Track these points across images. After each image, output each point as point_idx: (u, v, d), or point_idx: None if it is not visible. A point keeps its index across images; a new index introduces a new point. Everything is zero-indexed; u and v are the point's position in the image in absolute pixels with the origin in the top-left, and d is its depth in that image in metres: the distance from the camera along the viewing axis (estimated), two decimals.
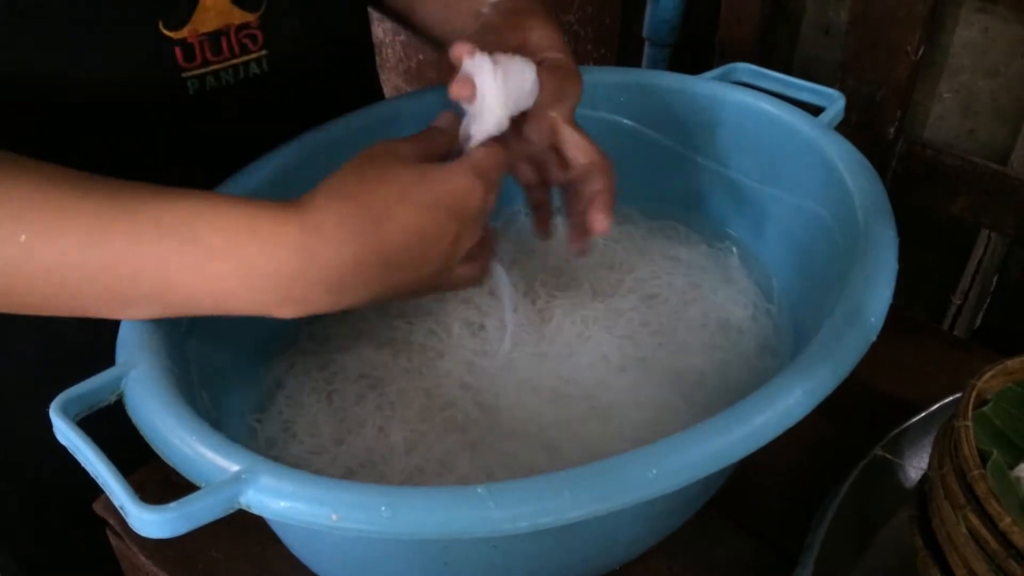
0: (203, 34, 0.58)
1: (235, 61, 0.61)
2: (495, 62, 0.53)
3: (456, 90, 0.53)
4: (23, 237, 0.44)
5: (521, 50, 0.56)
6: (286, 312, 0.47)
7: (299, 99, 0.67)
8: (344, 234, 0.46)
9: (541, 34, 0.58)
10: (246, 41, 0.61)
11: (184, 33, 0.57)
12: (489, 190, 0.51)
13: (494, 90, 0.52)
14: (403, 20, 0.76)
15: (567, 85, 0.57)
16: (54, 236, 0.44)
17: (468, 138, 0.54)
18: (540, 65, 0.56)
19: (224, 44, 0.59)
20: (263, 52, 0.62)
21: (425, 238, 0.48)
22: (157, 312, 0.48)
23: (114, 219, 0.45)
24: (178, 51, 0.58)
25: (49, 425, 0.45)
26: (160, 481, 0.58)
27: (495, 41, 0.56)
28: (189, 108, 0.60)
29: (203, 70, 0.59)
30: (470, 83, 0.52)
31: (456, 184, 0.50)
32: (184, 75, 0.59)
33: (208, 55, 0.59)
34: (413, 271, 0.49)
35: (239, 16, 0.59)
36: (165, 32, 0.57)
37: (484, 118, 0.53)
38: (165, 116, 0.61)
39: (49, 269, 0.45)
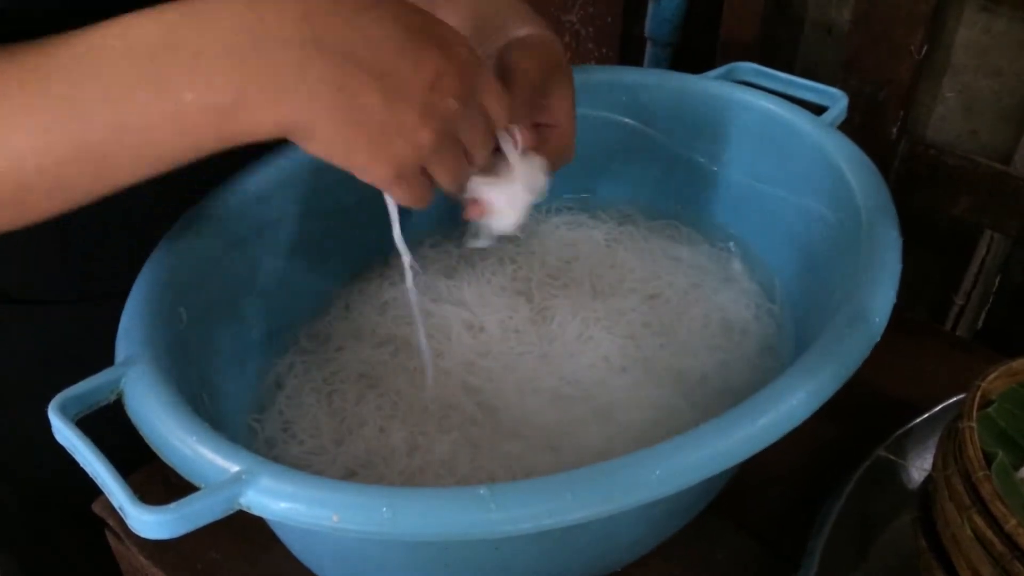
0: None
1: None
2: (511, 176, 0.54)
3: (469, 212, 0.55)
4: None
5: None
6: (250, 116, 0.42)
7: None
8: (305, 9, 0.42)
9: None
10: None
11: None
12: (481, 80, 0.46)
13: (506, 212, 0.55)
14: None
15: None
16: None
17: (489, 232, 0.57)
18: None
19: None
20: None
21: (402, 54, 0.42)
22: (128, 167, 0.44)
23: (38, 66, 0.42)
24: None
25: (48, 425, 0.45)
26: (159, 482, 0.58)
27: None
28: None
29: None
30: (481, 205, 0.54)
31: (449, 30, 0.45)
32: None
33: None
34: (382, 95, 0.42)
35: None
36: None
37: (494, 231, 0.56)
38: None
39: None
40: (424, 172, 0.47)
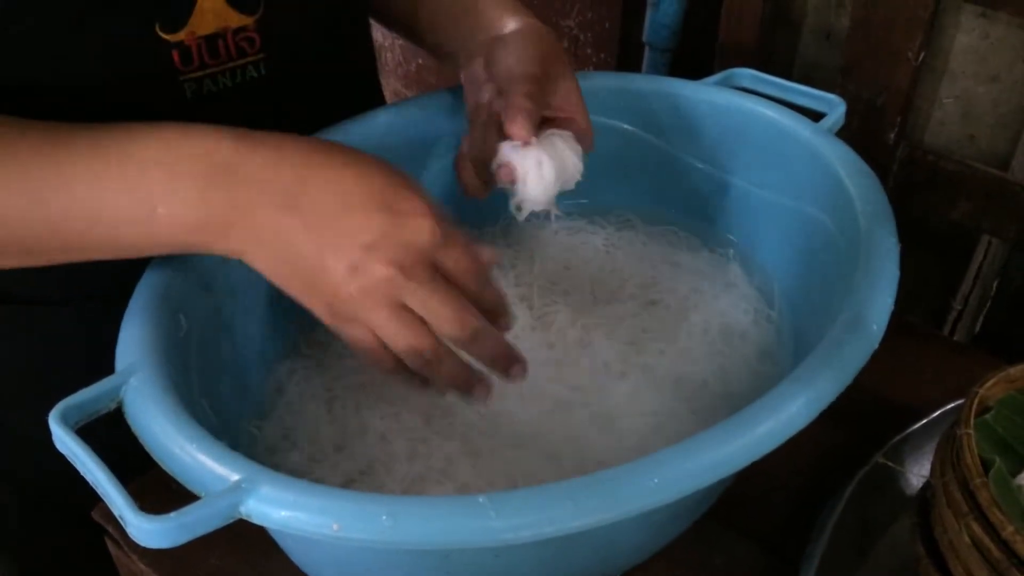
0: (200, 37, 0.58)
1: (232, 64, 0.60)
2: (538, 144, 0.57)
3: (500, 175, 0.58)
4: None
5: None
6: (208, 239, 0.47)
7: (298, 103, 0.67)
8: (277, 158, 0.47)
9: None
10: (243, 44, 0.60)
11: (181, 36, 0.57)
12: (441, 253, 0.48)
13: (534, 177, 0.57)
14: (407, 32, 0.76)
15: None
16: None
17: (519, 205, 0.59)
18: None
19: (221, 47, 0.59)
20: (261, 55, 0.61)
21: (346, 211, 0.46)
22: (90, 251, 0.49)
23: (41, 149, 0.47)
24: (175, 54, 0.57)
25: (47, 429, 0.45)
26: (159, 490, 0.57)
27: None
28: (187, 112, 0.60)
29: (200, 73, 0.59)
30: (510, 168, 0.57)
31: (417, 202, 0.47)
32: (182, 78, 0.59)
33: (205, 58, 0.59)
34: (313, 244, 0.46)
35: (236, 19, 0.59)
36: (162, 35, 0.56)
37: (528, 198, 0.58)
38: (163, 120, 0.60)
39: None
40: (365, 326, 0.49)
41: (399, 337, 0.49)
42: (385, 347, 0.50)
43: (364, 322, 0.48)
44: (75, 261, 0.51)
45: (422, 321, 0.48)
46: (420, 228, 0.47)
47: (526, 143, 0.56)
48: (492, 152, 0.59)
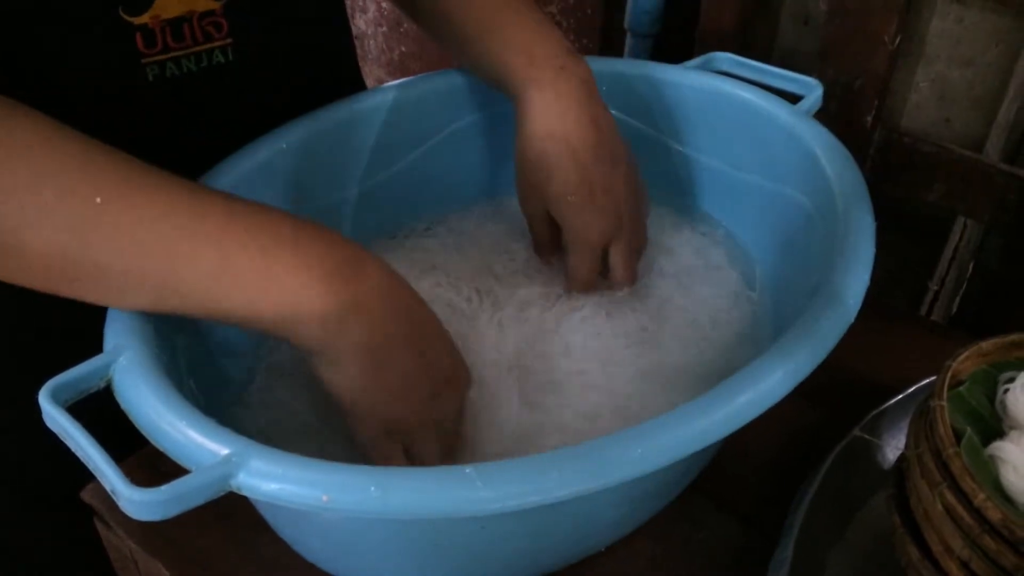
0: (165, 20, 0.57)
1: (197, 48, 0.60)
2: None
3: None
4: (97, 199, 0.45)
5: None
6: (313, 328, 0.47)
7: (269, 90, 0.66)
8: (381, 316, 0.48)
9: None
10: (210, 29, 0.60)
11: (145, 19, 0.56)
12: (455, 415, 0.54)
13: None
14: (408, 9, 0.75)
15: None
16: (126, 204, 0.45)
17: None
18: None
19: (187, 31, 0.59)
20: (228, 40, 0.61)
21: (442, 356, 0.52)
22: (191, 304, 0.48)
23: (168, 209, 0.46)
24: (138, 37, 0.57)
25: (31, 411, 0.45)
26: (149, 470, 0.58)
27: None
28: (149, 95, 0.59)
29: (163, 57, 0.58)
30: None
31: (466, 369, 0.54)
32: (144, 61, 0.58)
33: (169, 42, 0.58)
34: (416, 360, 0.50)
35: (203, 3, 0.59)
36: (125, 17, 0.56)
37: None
38: (123, 102, 0.60)
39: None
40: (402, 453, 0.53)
41: (431, 457, 0.54)
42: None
43: (410, 446, 0.52)
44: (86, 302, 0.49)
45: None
46: (461, 392, 0.54)
47: None
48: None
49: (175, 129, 0.62)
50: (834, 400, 0.63)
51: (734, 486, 0.60)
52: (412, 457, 0.53)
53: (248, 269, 0.46)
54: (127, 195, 0.46)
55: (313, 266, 0.46)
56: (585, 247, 0.64)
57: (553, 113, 0.62)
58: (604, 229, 0.63)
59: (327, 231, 0.49)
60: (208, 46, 0.60)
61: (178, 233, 0.46)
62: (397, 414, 0.51)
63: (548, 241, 0.67)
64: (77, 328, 0.50)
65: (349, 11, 0.77)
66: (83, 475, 0.46)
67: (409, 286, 0.51)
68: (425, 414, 0.52)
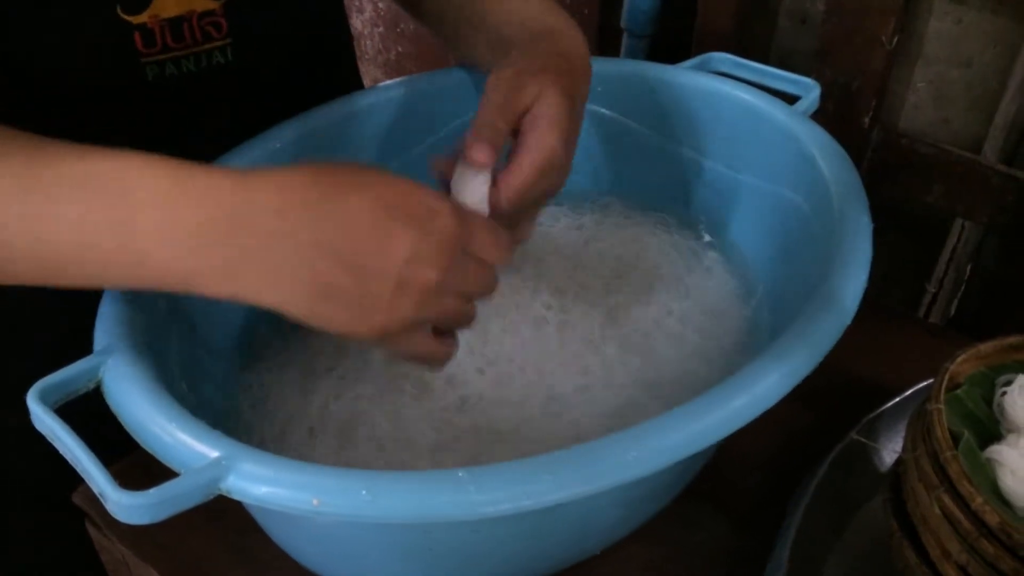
0: (164, 20, 0.57)
1: (197, 49, 0.60)
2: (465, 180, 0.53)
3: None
4: None
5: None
6: (210, 285, 0.44)
7: (268, 90, 0.66)
8: (281, 202, 0.43)
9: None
10: (209, 29, 0.60)
11: (144, 18, 0.56)
12: (470, 240, 0.47)
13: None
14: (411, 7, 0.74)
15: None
16: None
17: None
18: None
19: (186, 31, 0.58)
20: (227, 40, 0.61)
21: (373, 234, 0.44)
22: (76, 278, 0.46)
23: (38, 173, 0.44)
24: (137, 36, 0.57)
25: (20, 415, 0.45)
26: (139, 473, 0.58)
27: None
28: (148, 94, 0.59)
29: (163, 56, 0.58)
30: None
31: (428, 200, 0.46)
32: (143, 60, 0.58)
33: (169, 41, 0.58)
34: (353, 275, 0.44)
35: (202, 2, 0.59)
36: (123, 16, 0.56)
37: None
38: (123, 102, 0.59)
39: None
40: (419, 331, 0.48)
41: (454, 321, 0.50)
42: (435, 338, 0.50)
43: (420, 327, 0.48)
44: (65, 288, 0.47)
45: (460, 294, 0.49)
46: (445, 225, 0.46)
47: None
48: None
49: (174, 129, 0.62)
50: (830, 402, 0.63)
51: (730, 489, 0.60)
52: (440, 327, 0.49)
53: (109, 246, 0.44)
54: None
55: (180, 237, 0.43)
56: (541, 202, 0.58)
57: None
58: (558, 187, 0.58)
59: (196, 176, 0.44)
60: (208, 46, 0.60)
61: (36, 210, 0.44)
62: (379, 324, 0.46)
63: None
64: (74, 327, 0.50)
65: (346, 11, 0.77)
66: (80, 476, 0.46)
67: (312, 180, 0.45)
68: (407, 306, 0.46)
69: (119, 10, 0.55)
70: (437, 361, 0.51)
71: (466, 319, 0.51)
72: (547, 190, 0.56)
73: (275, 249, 0.44)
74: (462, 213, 0.47)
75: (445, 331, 0.51)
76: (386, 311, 0.45)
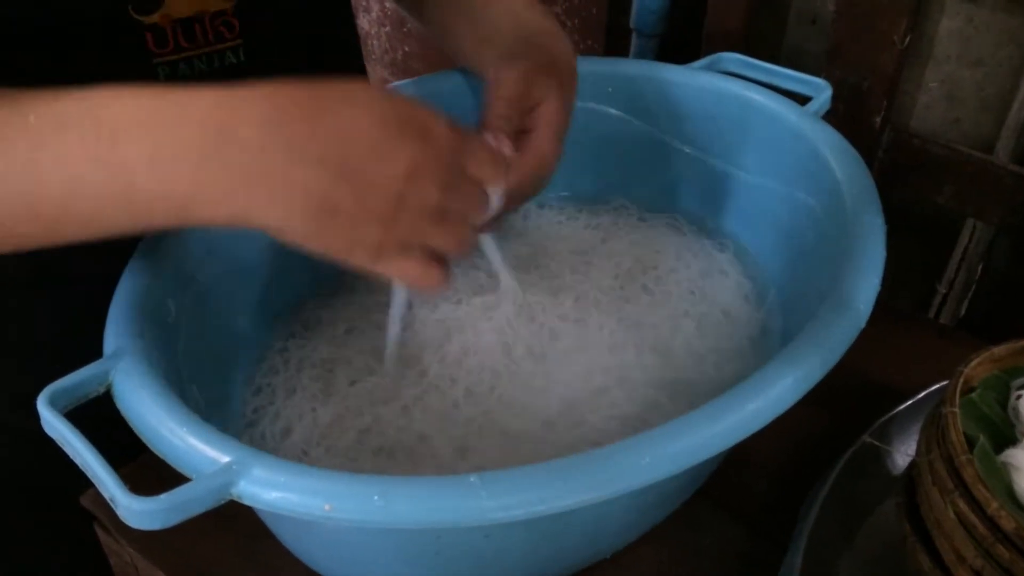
0: (176, 20, 0.57)
1: (209, 49, 0.60)
2: None
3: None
4: None
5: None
6: (205, 210, 0.43)
7: None
8: (272, 114, 0.42)
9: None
10: (222, 29, 0.60)
11: (155, 18, 0.56)
12: (465, 156, 0.46)
13: None
14: (412, 12, 0.74)
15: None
16: None
17: None
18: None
19: (198, 31, 0.58)
20: (239, 41, 0.61)
21: (372, 146, 0.43)
22: (74, 229, 0.45)
23: (16, 122, 0.43)
24: (149, 36, 0.57)
25: (30, 417, 0.45)
26: (148, 477, 0.57)
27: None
28: None
29: (175, 57, 0.58)
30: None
31: (423, 113, 0.45)
32: (155, 61, 0.58)
33: (181, 42, 0.58)
34: (353, 190, 0.43)
35: (214, 2, 0.58)
36: (135, 16, 0.56)
37: None
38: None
39: None
40: (415, 253, 0.47)
41: (449, 242, 0.48)
42: (432, 263, 0.48)
43: (418, 246, 0.47)
44: (62, 244, 0.47)
45: (457, 214, 0.48)
46: (443, 139, 0.45)
47: None
48: None
49: None
50: (841, 404, 0.63)
51: (741, 492, 0.59)
52: (436, 250, 0.48)
53: (98, 181, 0.42)
54: None
55: (166, 159, 0.42)
56: (520, 203, 0.57)
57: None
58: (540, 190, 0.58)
59: (174, 97, 0.43)
60: (220, 47, 0.60)
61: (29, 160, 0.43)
62: (376, 241, 0.45)
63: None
64: (83, 328, 0.50)
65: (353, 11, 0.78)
66: (88, 479, 0.46)
67: (306, 93, 0.44)
68: (405, 224, 0.45)
69: (131, 10, 0.55)
70: (431, 285, 0.49)
71: (462, 244, 0.49)
72: (530, 193, 0.57)
73: (272, 163, 0.42)
74: (459, 129, 0.46)
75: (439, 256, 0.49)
76: (384, 228, 0.44)
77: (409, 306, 0.60)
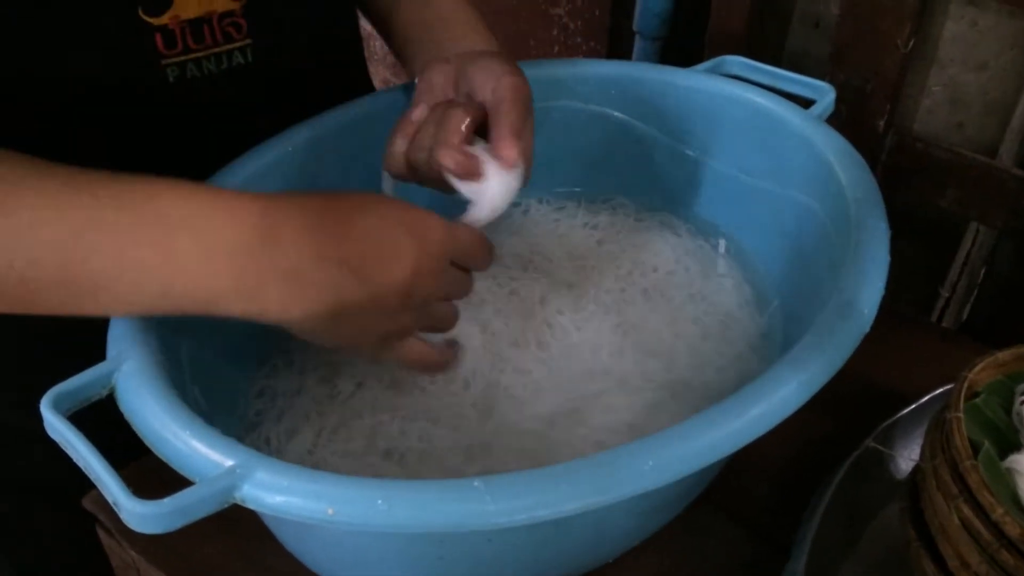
0: (184, 21, 0.57)
1: (218, 50, 0.60)
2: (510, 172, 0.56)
3: (461, 174, 0.55)
4: None
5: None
6: (236, 304, 0.46)
7: (286, 91, 0.66)
8: (307, 221, 0.46)
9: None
10: (230, 30, 0.60)
11: (164, 19, 0.57)
12: (456, 250, 0.51)
13: (495, 198, 0.55)
14: (379, 26, 0.75)
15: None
16: (5, 212, 0.43)
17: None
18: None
19: (206, 32, 0.59)
20: (247, 41, 0.61)
21: (383, 250, 0.48)
22: (105, 302, 0.46)
23: (71, 197, 0.44)
24: (158, 37, 0.57)
25: (32, 417, 0.44)
26: (149, 478, 0.57)
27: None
28: (169, 96, 0.59)
29: (184, 58, 0.59)
30: (479, 170, 0.55)
31: (422, 216, 0.50)
32: (164, 62, 0.58)
33: (190, 43, 0.58)
34: (367, 289, 0.47)
35: (222, 3, 0.59)
36: (144, 18, 0.56)
37: (481, 207, 0.56)
38: (143, 104, 0.60)
39: None
40: (415, 337, 0.53)
41: (443, 323, 0.54)
42: (432, 347, 0.54)
43: (415, 334, 0.52)
44: (80, 316, 0.47)
45: (448, 299, 0.54)
46: (440, 239, 0.50)
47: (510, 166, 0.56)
48: (434, 146, 0.57)
49: (195, 130, 0.62)
50: (844, 409, 0.62)
51: (744, 497, 0.59)
52: (431, 331, 0.54)
53: (149, 264, 0.45)
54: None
55: (212, 248, 0.45)
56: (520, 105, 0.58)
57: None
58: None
59: (226, 200, 0.46)
60: (228, 47, 0.60)
61: (74, 238, 0.44)
62: (384, 333, 0.50)
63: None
64: (86, 330, 0.50)
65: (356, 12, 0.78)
66: (89, 479, 0.46)
67: (328, 203, 0.48)
68: (409, 315, 0.50)
69: (140, 12, 0.55)
70: (436, 365, 0.55)
71: (451, 321, 0.55)
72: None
73: (304, 266, 0.46)
74: (448, 225, 0.51)
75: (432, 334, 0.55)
76: (390, 321, 0.49)
77: None
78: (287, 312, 0.46)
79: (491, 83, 0.57)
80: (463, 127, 0.55)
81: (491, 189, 0.55)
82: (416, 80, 0.62)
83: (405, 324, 0.50)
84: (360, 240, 0.47)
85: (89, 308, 0.46)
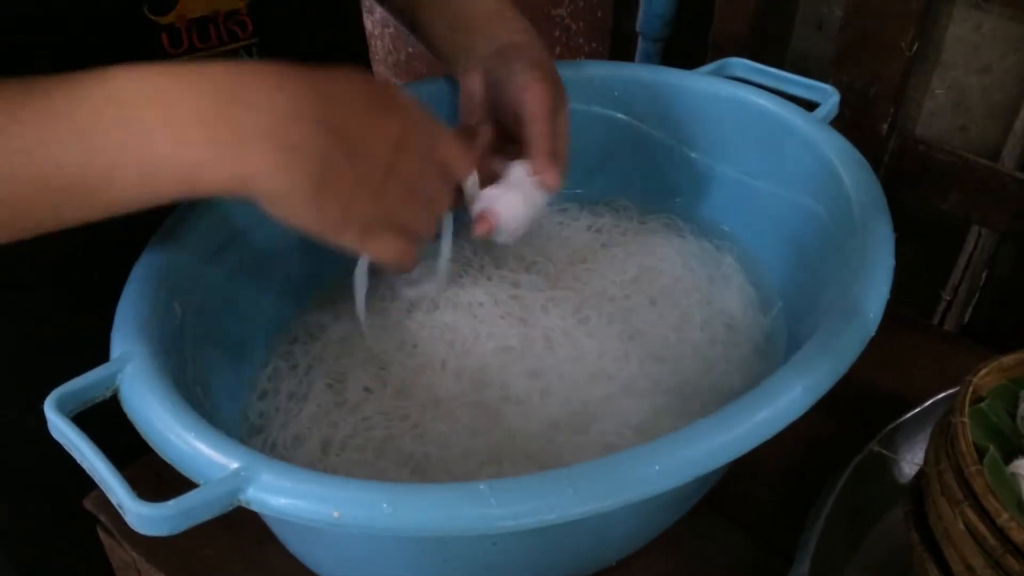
0: (190, 20, 0.58)
1: (223, 48, 0.60)
2: (507, 190, 0.59)
3: (478, 230, 0.58)
4: None
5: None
6: (219, 170, 0.44)
7: None
8: (276, 80, 0.44)
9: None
10: (235, 28, 0.60)
11: (171, 18, 0.57)
12: (436, 136, 0.50)
13: (507, 215, 0.58)
14: (405, 22, 0.75)
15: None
16: None
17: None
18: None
19: (212, 31, 0.59)
20: (253, 40, 0.61)
21: (367, 116, 0.46)
22: (84, 206, 0.45)
23: (24, 103, 0.43)
24: (164, 36, 0.57)
25: (34, 418, 0.44)
26: (151, 479, 0.57)
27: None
28: None
29: (189, 57, 0.59)
30: (485, 221, 0.58)
31: (408, 99, 0.49)
32: (170, 61, 0.58)
33: (195, 41, 0.58)
34: (349, 156, 0.45)
35: (228, 2, 0.59)
36: (151, 16, 0.56)
37: (502, 237, 0.60)
38: None
39: None
40: (396, 229, 0.50)
41: (423, 222, 0.51)
42: (410, 244, 0.51)
43: (398, 225, 0.49)
44: (69, 226, 0.47)
45: (429, 200, 0.52)
46: (422, 121, 0.49)
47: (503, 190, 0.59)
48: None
49: None
50: (847, 411, 0.62)
51: (746, 500, 0.59)
52: (404, 231, 0.50)
53: (119, 149, 0.43)
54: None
55: (180, 119, 0.43)
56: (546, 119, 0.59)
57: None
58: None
59: (185, 70, 0.45)
60: (233, 46, 0.60)
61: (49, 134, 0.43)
62: (365, 214, 0.47)
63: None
64: (87, 330, 0.50)
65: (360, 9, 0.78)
66: (90, 480, 0.46)
67: (304, 69, 0.46)
68: (390, 198, 0.48)
69: (146, 10, 0.56)
70: (406, 264, 0.52)
71: (432, 225, 0.53)
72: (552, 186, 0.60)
73: (279, 124, 0.44)
74: (433, 119, 0.50)
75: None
76: (374, 203, 0.47)
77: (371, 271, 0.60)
78: (272, 178, 0.44)
79: (519, 95, 0.58)
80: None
81: (508, 224, 0.59)
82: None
83: (388, 207, 0.48)
84: (339, 101, 0.45)
85: (71, 214, 0.45)
